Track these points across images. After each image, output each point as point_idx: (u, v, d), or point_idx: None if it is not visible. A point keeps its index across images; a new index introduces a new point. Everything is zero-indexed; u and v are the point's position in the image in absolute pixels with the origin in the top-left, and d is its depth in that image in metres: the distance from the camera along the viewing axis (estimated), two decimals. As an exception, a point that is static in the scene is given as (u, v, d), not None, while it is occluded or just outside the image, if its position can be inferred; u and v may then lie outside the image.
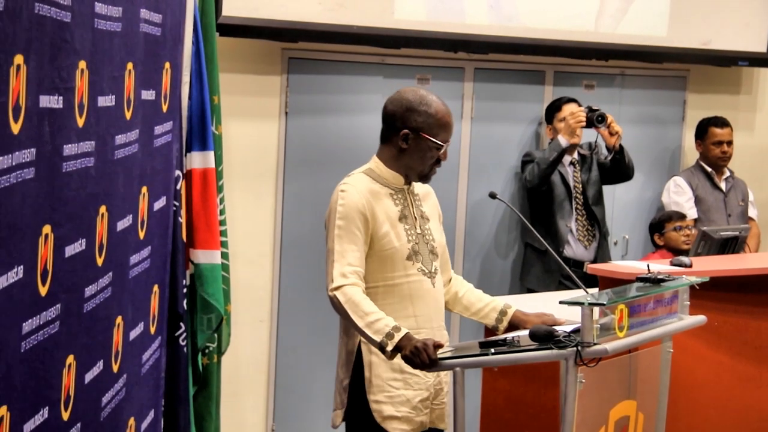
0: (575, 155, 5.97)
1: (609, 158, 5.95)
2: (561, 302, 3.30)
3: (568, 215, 5.87)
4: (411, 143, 3.59)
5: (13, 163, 2.16)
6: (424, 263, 3.63)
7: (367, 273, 3.54)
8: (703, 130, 6.59)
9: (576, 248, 5.86)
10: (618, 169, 5.96)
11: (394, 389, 3.55)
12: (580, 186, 5.94)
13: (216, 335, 4.58)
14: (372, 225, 3.54)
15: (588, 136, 6.01)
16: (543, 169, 5.73)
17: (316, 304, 5.36)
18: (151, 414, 3.70)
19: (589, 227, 5.93)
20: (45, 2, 2.31)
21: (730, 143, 6.52)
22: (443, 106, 3.63)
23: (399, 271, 3.57)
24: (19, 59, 2.15)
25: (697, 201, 6.47)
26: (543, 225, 5.76)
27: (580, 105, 5.91)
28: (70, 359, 2.64)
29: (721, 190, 6.54)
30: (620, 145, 5.89)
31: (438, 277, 3.67)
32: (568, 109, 5.88)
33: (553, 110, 5.99)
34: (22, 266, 2.25)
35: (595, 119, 5.79)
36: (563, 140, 5.76)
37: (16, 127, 2.16)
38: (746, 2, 6.75)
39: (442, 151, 3.60)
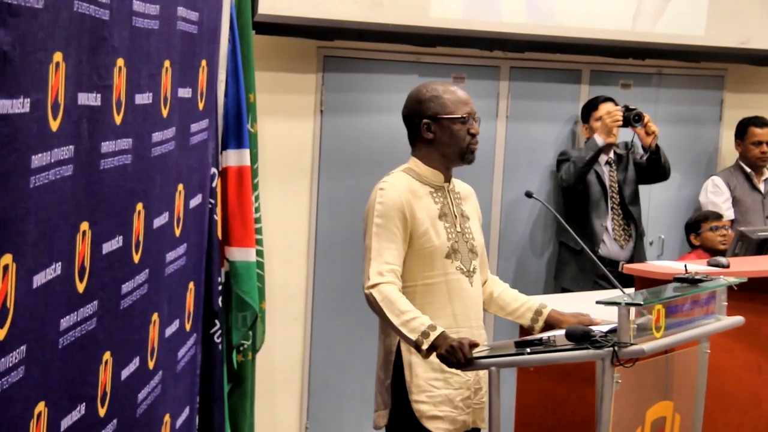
0: (611, 155, 5.94)
1: (645, 158, 5.91)
2: (598, 302, 3.28)
3: (603, 214, 5.84)
4: (435, 129, 3.63)
5: (52, 161, 2.17)
6: (463, 262, 3.62)
7: (406, 272, 3.54)
8: (743, 129, 6.54)
9: (611, 248, 5.83)
10: (654, 168, 5.92)
11: (435, 389, 3.55)
12: (616, 185, 5.90)
13: (251, 333, 4.59)
14: (411, 223, 3.54)
15: (624, 135, 5.97)
16: (579, 168, 5.71)
17: (350, 303, 5.36)
18: (186, 410, 3.71)
19: (625, 227, 5.90)
20: (84, 0, 2.32)
21: None
22: (450, 86, 3.71)
23: (438, 270, 3.57)
24: (58, 57, 2.16)
25: (735, 202, 6.42)
26: (578, 224, 5.73)
27: (616, 104, 5.88)
28: (107, 356, 2.66)
29: (759, 191, 6.49)
30: (656, 145, 5.85)
31: (476, 277, 3.67)
32: (604, 108, 5.85)
33: (589, 109, 5.96)
34: (60, 263, 2.26)
35: (631, 118, 5.76)
36: (599, 139, 5.74)
37: (55, 125, 2.17)
38: (785, 1, 6.69)
39: (468, 123, 3.61)
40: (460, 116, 3.61)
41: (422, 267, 3.56)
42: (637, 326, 3.19)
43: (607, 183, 5.88)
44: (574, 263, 5.84)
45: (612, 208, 5.88)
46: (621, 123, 5.76)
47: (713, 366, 3.84)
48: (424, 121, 3.63)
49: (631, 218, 5.92)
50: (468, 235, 3.68)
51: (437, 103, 3.63)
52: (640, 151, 5.96)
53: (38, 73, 2.07)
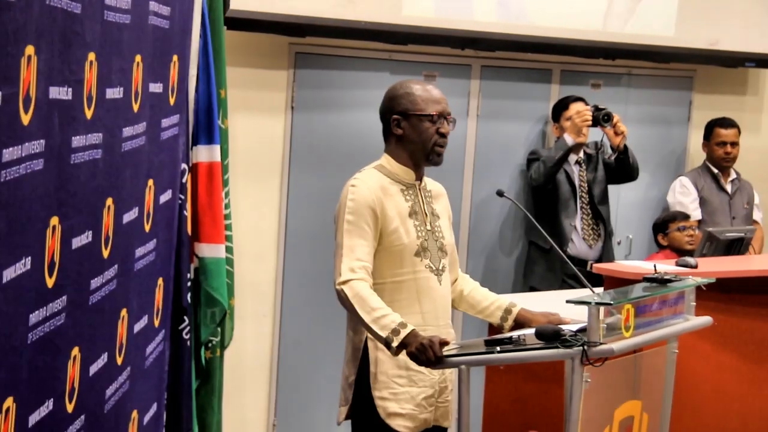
0: (581, 154, 5.97)
1: (614, 158, 5.94)
2: (568, 301, 3.30)
3: (572, 214, 5.87)
4: (404, 126, 3.63)
5: (23, 155, 2.15)
6: (432, 260, 3.62)
7: (375, 269, 3.54)
8: (709, 130, 6.59)
9: (580, 247, 5.86)
10: (622, 168, 5.95)
11: (399, 386, 3.55)
12: (586, 185, 5.93)
13: (219, 329, 4.57)
14: (381, 221, 3.54)
15: (594, 135, 6.00)
16: (549, 168, 5.73)
17: (319, 300, 5.35)
18: (154, 407, 3.69)
19: (594, 226, 5.93)
20: (56, -7, 2.30)
21: (734, 144, 6.51)
22: (423, 84, 3.71)
23: (407, 267, 3.57)
24: (30, 50, 2.14)
25: (702, 202, 6.47)
26: (547, 223, 5.75)
27: (587, 104, 5.90)
28: (75, 351, 2.64)
29: (726, 192, 6.53)
30: (625, 145, 5.88)
31: (445, 275, 3.67)
32: (574, 107, 5.87)
33: (560, 109, 5.98)
34: (29, 258, 2.24)
35: (601, 118, 5.78)
36: (569, 139, 5.76)
37: (26, 118, 2.15)
38: (754, 3, 6.73)
39: (437, 122, 3.61)
40: (429, 114, 3.61)
41: (391, 264, 3.56)
42: (606, 326, 3.20)
43: (577, 183, 5.91)
44: (543, 262, 5.86)
45: (581, 207, 5.90)
46: (590, 123, 5.79)
47: (681, 366, 3.87)
48: (394, 116, 3.64)
49: (600, 218, 5.95)
50: (438, 233, 3.68)
51: (408, 100, 3.63)
52: (609, 151, 5.99)
53: (10, 67, 2.05)
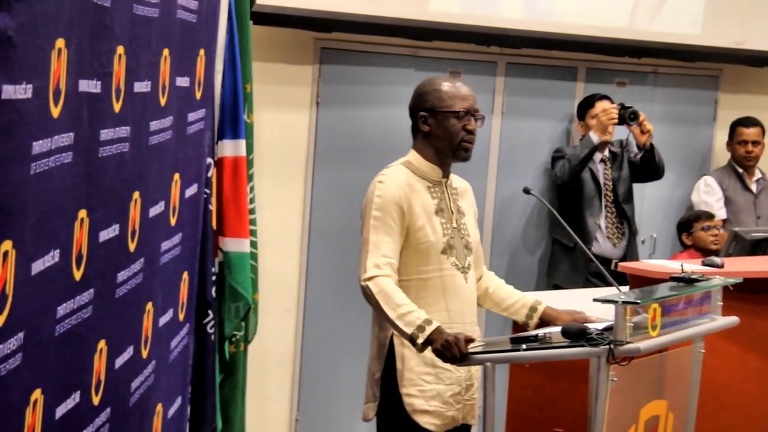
0: (606, 153, 5.94)
1: (639, 156, 5.91)
2: (595, 300, 3.28)
3: (597, 212, 5.84)
4: (431, 122, 3.63)
5: (53, 147, 2.15)
6: (458, 258, 3.62)
7: (401, 266, 3.53)
8: (732, 129, 6.57)
9: (604, 245, 5.83)
10: (648, 167, 5.93)
11: (426, 383, 3.54)
12: (611, 183, 5.90)
13: (243, 324, 4.58)
14: (408, 218, 3.53)
15: (619, 133, 5.97)
16: (574, 166, 5.70)
17: (342, 296, 5.35)
18: (179, 400, 3.70)
19: (619, 225, 5.90)
20: (86, -14, 2.30)
21: (756, 143, 6.48)
22: (453, 81, 3.71)
23: (433, 265, 3.56)
24: (60, 43, 2.14)
25: (727, 202, 6.43)
26: (572, 221, 5.69)
27: (612, 102, 5.88)
28: (102, 344, 2.64)
29: (751, 191, 6.50)
30: (651, 144, 5.85)
31: (471, 273, 3.67)
32: (600, 105, 5.85)
33: (585, 107, 5.95)
34: (58, 250, 2.25)
35: (627, 117, 5.76)
36: (595, 137, 5.73)
37: (56, 111, 2.15)
38: (782, 2, 6.69)
39: (464, 118, 3.60)
40: (456, 110, 3.60)
41: (417, 262, 3.56)
42: (633, 325, 3.19)
43: (602, 181, 5.88)
44: (566, 260, 5.84)
45: (606, 206, 5.88)
46: (616, 121, 5.76)
47: (707, 366, 3.84)
48: (421, 113, 3.64)
49: (624, 216, 5.92)
50: (463, 231, 3.67)
51: (435, 96, 3.63)
52: (635, 149, 5.96)
53: (41, 60, 2.05)
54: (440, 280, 3.58)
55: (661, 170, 5.98)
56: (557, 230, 5.86)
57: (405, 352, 3.53)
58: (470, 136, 3.64)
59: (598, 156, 5.89)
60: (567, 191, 5.84)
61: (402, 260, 3.54)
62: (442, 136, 3.62)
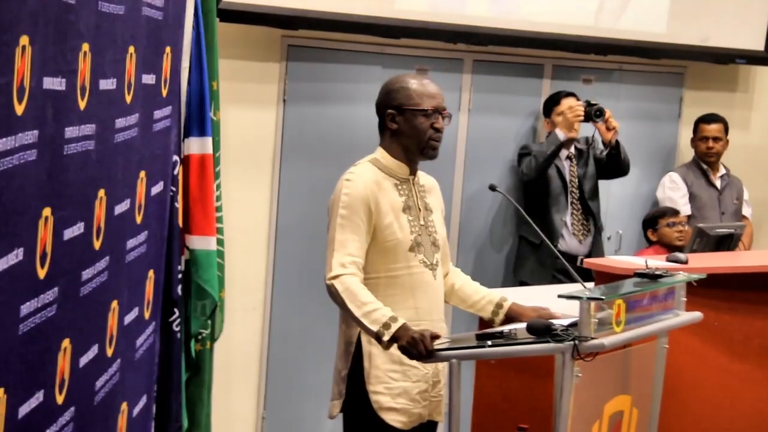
0: (572, 149, 5.97)
1: (605, 153, 5.94)
2: (560, 296, 3.31)
3: (563, 209, 5.87)
4: (399, 120, 3.62)
5: (17, 145, 2.14)
6: (426, 255, 3.62)
7: (369, 264, 3.54)
8: (695, 126, 6.62)
9: (570, 242, 5.86)
10: (614, 164, 5.96)
11: (393, 381, 3.55)
12: (577, 180, 5.94)
13: (209, 322, 4.57)
14: (375, 216, 3.53)
15: (585, 130, 6.00)
16: (540, 163, 5.73)
17: (309, 293, 5.35)
18: (144, 399, 3.69)
19: (584, 221, 5.93)
20: (50, -17, 2.29)
21: (717, 139, 6.53)
22: (420, 79, 3.70)
23: (401, 263, 3.57)
24: (24, 40, 2.13)
25: (692, 198, 6.49)
26: (538, 218, 5.74)
27: (578, 99, 5.90)
28: (66, 343, 2.63)
29: (716, 187, 6.55)
30: (617, 141, 5.89)
31: (439, 270, 3.68)
32: (566, 103, 5.87)
33: (551, 104, 5.98)
34: (22, 248, 2.24)
35: (593, 113, 5.79)
36: (561, 134, 5.76)
37: (20, 109, 2.14)
38: (745, 0, 6.74)
39: (433, 118, 3.60)
40: (424, 109, 3.60)
41: (385, 260, 3.56)
42: (597, 320, 3.21)
43: (568, 178, 5.91)
44: (533, 257, 5.86)
45: (572, 203, 5.91)
46: (582, 118, 5.79)
47: (672, 361, 3.88)
48: (389, 111, 3.64)
49: (590, 213, 5.95)
50: (431, 228, 3.68)
51: (403, 94, 3.63)
52: (601, 146, 5.99)
53: (4, 57, 2.04)
54: (409, 277, 3.59)
55: (626, 167, 6.02)
56: (524, 227, 5.88)
57: (372, 349, 3.53)
58: (438, 134, 3.64)
59: (564, 153, 5.91)
60: (533, 188, 5.86)
61: (370, 258, 3.55)
62: (409, 134, 3.62)
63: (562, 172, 5.89)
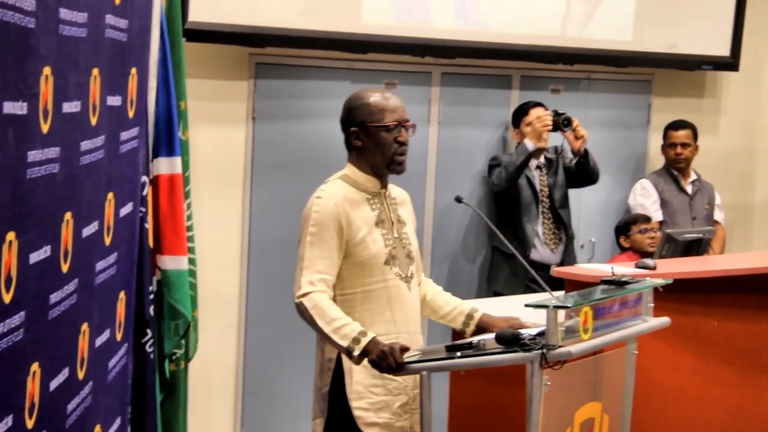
0: (542, 159, 6.00)
1: (574, 162, 5.97)
2: (526, 305, 3.33)
3: (534, 219, 5.90)
4: (363, 138, 3.63)
5: (-23, 170, 2.15)
6: (401, 268, 3.64)
7: (344, 280, 3.55)
8: (665, 132, 6.66)
9: (542, 251, 5.89)
10: (583, 172, 6.00)
11: (375, 395, 3.56)
12: (547, 189, 5.97)
13: (183, 341, 4.58)
14: (347, 232, 3.54)
15: (555, 140, 6.03)
16: (510, 173, 5.76)
17: (284, 310, 5.33)
18: (118, 421, 3.69)
19: (556, 230, 5.96)
20: (8, 8, 2.30)
21: (685, 145, 6.57)
22: (380, 93, 3.69)
23: (377, 276, 3.58)
24: (-18, 66, 2.14)
25: (663, 204, 6.53)
26: (510, 229, 5.79)
27: (546, 109, 5.94)
28: (35, 367, 2.63)
29: (686, 193, 6.60)
30: (585, 149, 5.92)
31: (414, 282, 3.69)
32: (534, 113, 5.91)
33: (520, 114, 6.01)
34: (-15, 273, 2.24)
35: (561, 123, 5.83)
36: (530, 144, 5.79)
37: (-21, 134, 2.15)
38: (711, 7, 6.80)
39: (395, 131, 3.61)
40: (386, 125, 3.61)
41: (361, 274, 3.57)
42: (565, 329, 3.23)
43: (538, 188, 5.94)
44: (506, 267, 5.88)
45: (542, 212, 5.93)
46: (551, 128, 5.82)
47: (642, 367, 3.90)
48: (352, 129, 3.64)
49: (561, 222, 5.98)
50: (405, 240, 3.70)
51: (364, 111, 3.63)
52: (570, 155, 6.03)
53: (-38, 83, 2.05)
54: (385, 291, 3.60)
55: (596, 175, 6.05)
56: (496, 238, 5.90)
57: (352, 365, 3.53)
58: (403, 147, 3.65)
59: (533, 163, 5.94)
60: (504, 199, 5.89)
61: (345, 274, 3.56)
62: (374, 151, 3.63)
63: (532, 181, 5.92)
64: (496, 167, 5.88)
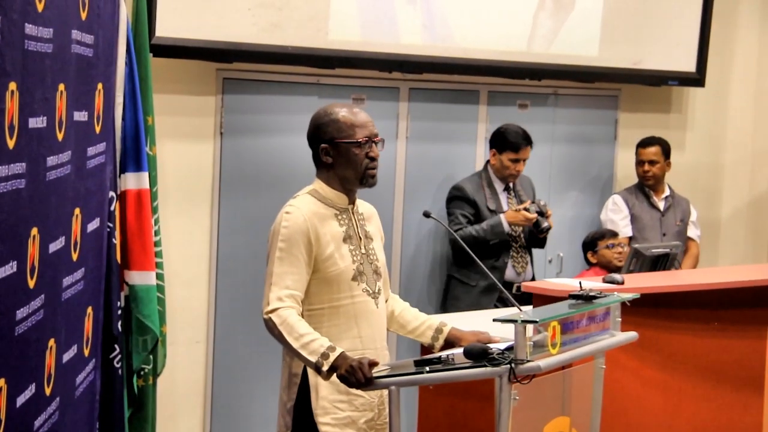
0: (511, 192, 5.89)
1: (536, 233, 5.79)
2: (495, 320, 3.33)
3: (507, 253, 5.77)
4: (333, 154, 3.62)
5: (-58, 186, 2.14)
6: (369, 284, 3.64)
7: (312, 295, 3.54)
8: (636, 149, 6.70)
9: (509, 275, 5.78)
10: (535, 241, 5.90)
11: (340, 411, 3.55)
12: (519, 228, 5.82)
13: (151, 357, 4.56)
14: (316, 248, 3.54)
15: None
16: (479, 242, 5.59)
17: (252, 325, 5.33)
18: (86, 437, 3.67)
19: (523, 254, 5.87)
20: (-27, 24, 2.29)
21: (653, 162, 6.60)
22: (348, 108, 3.67)
23: (344, 292, 3.58)
24: (-53, 81, 2.13)
25: (633, 219, 6.56)
26: (473, 262, 5.61)
27: (531, 147, 5.80)
28: (1, 383, 2.62)
29: (658, 209, 6.63)
30: (547, 227, 5.74)
31: (381, 298, 3.69)
32: (523, 151, 5.78)
33: (501, 139, 5.83)
34: (-49, 289, 2.23)
35: (541, 227, 5.67)
36: (506, 226, 5.66)
37: (-56, 150, 2.14)
38: (676, 23, 6.87)
39: (366, 146, 3.61)
40: (357, 140, 3.61)
41: (329, 290, 3.56)
42: (533, 343, 3.24)
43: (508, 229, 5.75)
44: (466, 297, 5.76)
45: (515, 239, 5.80)
46: (531, 224, 5.69)
47: (612, 380, 3.92)
48: (322, 145, 3.63)
49: (528, 249, 5.90)
50: (372, 256, 3.69)
51: (334, 128, 3.62)
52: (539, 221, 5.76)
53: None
54: (352, 306, 3.59)
55: (542, 246, 5.98)
56: (453, 268, 5.84)
57: (318, 380, 3.52)
58: (374, 162, 3.64)
59: (500, 186, 5.85)
60: None
61: (313, 290, 3.55)
62: (346, 167, 3.62)
63: (501, 210, 5.78)
64: (457, 200, 5.74)
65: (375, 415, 3.61)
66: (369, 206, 3.83)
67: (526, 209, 5.66)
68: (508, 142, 5.80)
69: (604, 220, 6.60)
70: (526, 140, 5.80)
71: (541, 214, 5.69)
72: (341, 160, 3.61)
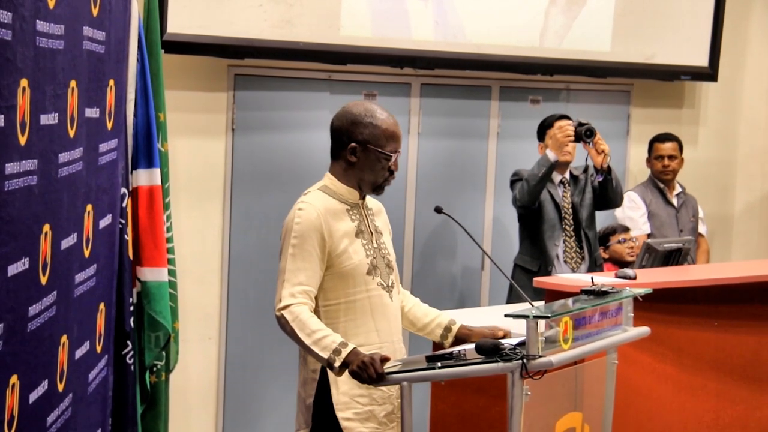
0: (566, 175, 5.72)
1: (598, 181, 5.65)
2: (506, 315, 3.33)
3: (557, 236, 5.62)
4: (360, 156, 3.60)
5: (-46, 183, 2.14)
6: (382, 277, 3.64)
7: (328, 291, 3.54)
8: (650, 145, 6.67)
9: (562, 270, 5.58)
10: (606, 193, 5.68)
11: (361, 405, 3.54)
12: (570, 207, 5.67)
13: (164, 353, 4.57)
14: (329, 243, 3.53)
15: (581, 157, 5.77)
16: (532, 186, 5.45)
17: (264, 321, 5.35)
18: (98, 433, 3.68)
19: (578, 249, 5.68)
20: (-15, 21, 2.30)
21: (672, 158, 6.58)
22: (389, 117, 3.63)
23: (360, 287, 3.58)
24: (-41, 78, 2.14)
25: (650, 216, 6.52)
26: (532, 245, 5.59)
27: (571, 120, 5.65)
28: (14, 379, 2.62)
29: (673, 205, 6.60)
30: (609, 166, 5.61)
31: (394, 291, 3.69)
32: (558, 124, 5.59)
33: (544, 127, 5.70)
34: (-37, 286, 2.23)
35: (583, 133, 5.51)
36: (551, 155, 5.47)
37: (-44, 146, 2.14)
38: (688, 17, 6.84)
39: (392, 161, 3.61)
40: (387, 153, 3.59)
41: (344, 285, 3.56)
42: (545, 338, 3.23)
43: (561, 204, 5.66)
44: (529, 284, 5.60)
45: (565, 230, 5.66)
46: (572, 138, 5.53)
47: (624, 376, 3.91)
48: (352, 144, 3.60)
49: (584, 242, 5.70)
50: (384, 250, 3.70)
51: (370, 132, 3.58)
52: (594, 172, 5.68)
53: (-62, 95, 2.05)
54: (368, 300, 3.59)
55: (618, 197, 5.73)
56: (519, 257, 5.68)
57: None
58: (392, 176, 3.65)
59: (557, 177, 5.67)
60: (528, 214, 5.62)
61: (328, 285, 3.55)
62: (367, 172, 3.61)
63: (554, 198, 5.64)
64: (517, 182, 5.59)
65: (394, 408, 3.60)
66: (377, 202, 3.83)
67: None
68: None
69: (621, 218, 6.51)
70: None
71: (581, 126, 5.53)
72: (366, 164, 3.60)
